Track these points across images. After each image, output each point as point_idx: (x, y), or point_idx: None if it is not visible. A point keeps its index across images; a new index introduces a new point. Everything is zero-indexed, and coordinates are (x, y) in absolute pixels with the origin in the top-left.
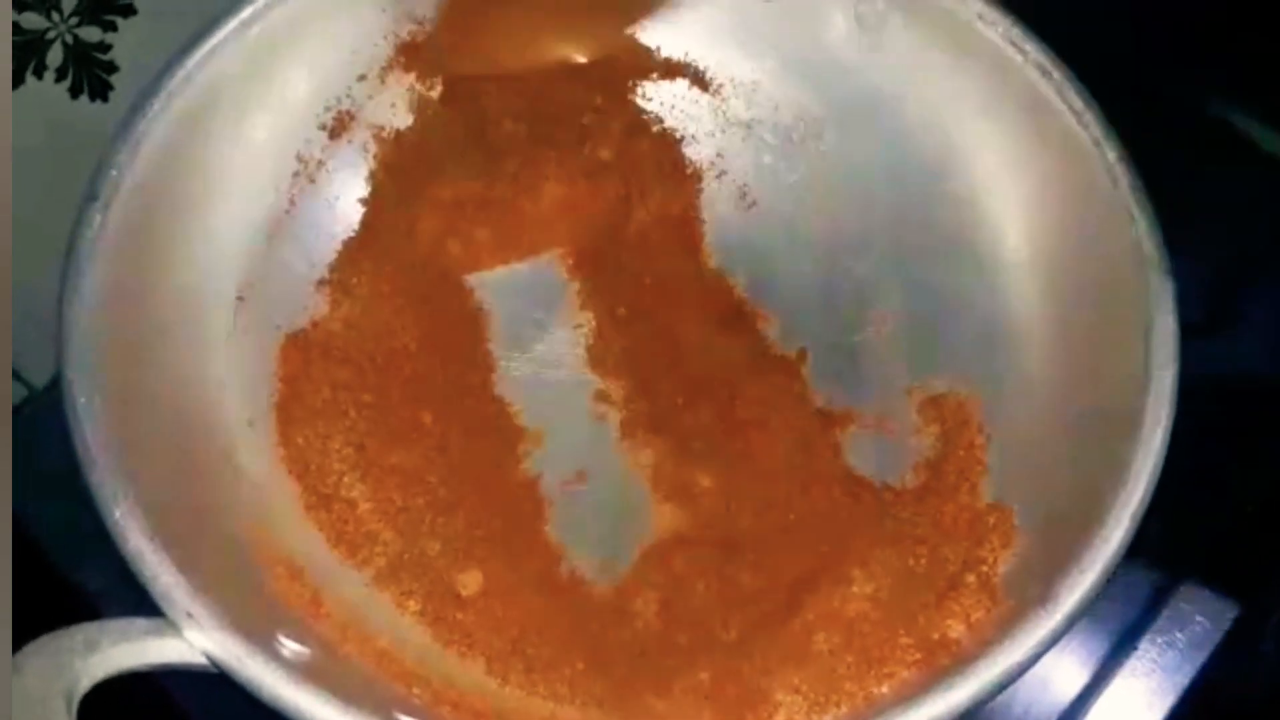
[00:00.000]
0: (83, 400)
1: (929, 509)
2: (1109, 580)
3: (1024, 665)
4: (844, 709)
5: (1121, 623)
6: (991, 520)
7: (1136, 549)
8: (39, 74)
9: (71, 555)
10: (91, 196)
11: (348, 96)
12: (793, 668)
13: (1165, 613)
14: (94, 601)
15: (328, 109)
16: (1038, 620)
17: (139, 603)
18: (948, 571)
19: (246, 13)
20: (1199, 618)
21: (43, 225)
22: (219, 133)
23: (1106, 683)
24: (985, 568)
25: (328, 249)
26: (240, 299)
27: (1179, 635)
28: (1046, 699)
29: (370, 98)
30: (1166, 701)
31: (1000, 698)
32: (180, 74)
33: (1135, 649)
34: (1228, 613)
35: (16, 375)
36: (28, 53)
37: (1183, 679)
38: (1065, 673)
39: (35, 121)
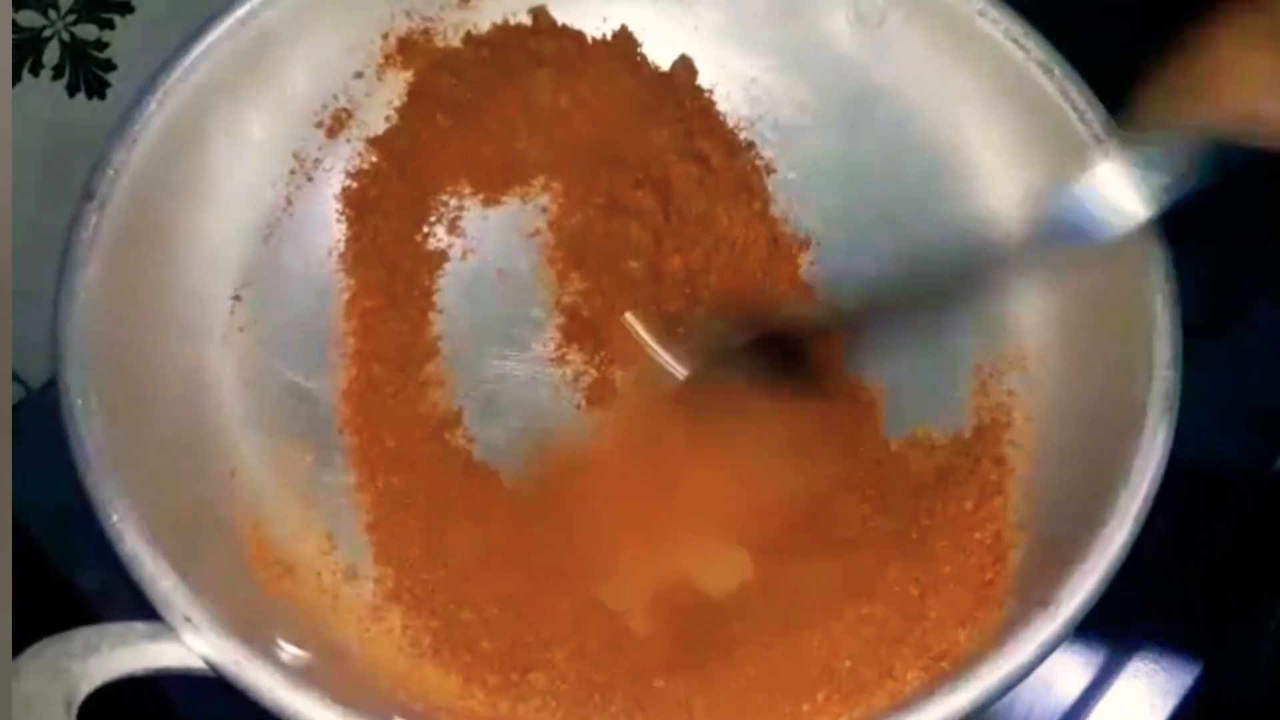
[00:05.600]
0: (79, 403)
1: (932, 512)
2: (1110, 582)
3: (1027, 668)
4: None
5: (1123, 625)
6: (994, 523)
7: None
8: (36, 72)
9: (69, 557)
10: (88, 196)
11: (344, 94)
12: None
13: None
14: (92, 603)
15: (325, 107)
16: (1040, 623)
17: (137, 604)
18: (950, 575)
19: (243, 10)
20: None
21: (40, 224)
22: (216, 131)
23: (1109, 684)
24: (988, 571)
25: (325, 248)
26: (237, 298)
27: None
28: (1049, 700)
29: (368, 95)
30: (1168, 703)
31: (1003, 699)
32: (176, 72)
33: (1138, 650)
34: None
35: (14, 375)
36: (25, 50)
37: (1185, 680)
38: (1068, 674)
39: (32, 120)
